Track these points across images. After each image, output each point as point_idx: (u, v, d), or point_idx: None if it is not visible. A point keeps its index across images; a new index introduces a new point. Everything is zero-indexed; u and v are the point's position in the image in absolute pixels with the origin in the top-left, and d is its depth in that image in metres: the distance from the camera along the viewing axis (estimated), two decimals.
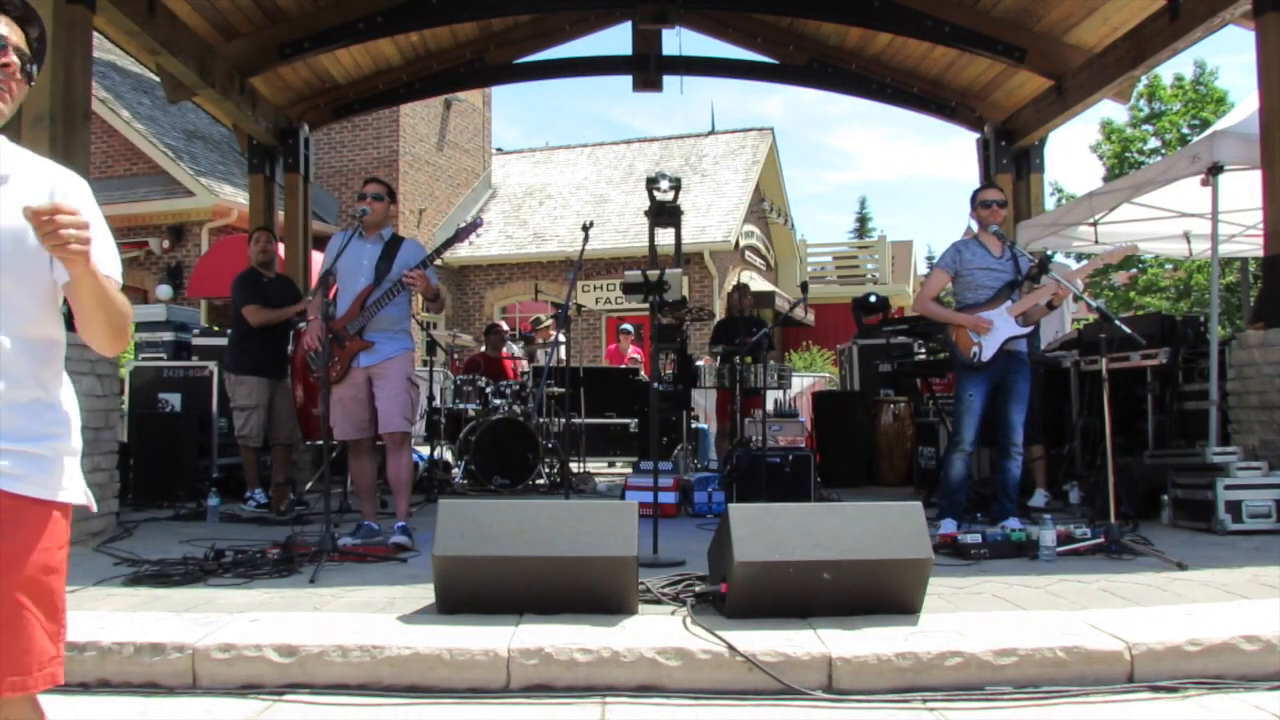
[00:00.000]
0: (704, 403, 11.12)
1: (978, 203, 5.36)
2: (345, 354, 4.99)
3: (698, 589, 3.60)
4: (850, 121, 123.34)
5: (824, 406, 9.28)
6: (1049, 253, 9.17)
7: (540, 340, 10.04)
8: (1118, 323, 5.05)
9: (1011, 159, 8.72)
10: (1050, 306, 5.33)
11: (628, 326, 12.73)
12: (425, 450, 7.84)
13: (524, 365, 10.01)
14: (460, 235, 5.10)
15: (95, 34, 5.92)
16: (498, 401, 8.23)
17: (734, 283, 9.94)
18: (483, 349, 9.63)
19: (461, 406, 8.41)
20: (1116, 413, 5.15)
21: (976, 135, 9.16)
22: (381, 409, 4.99)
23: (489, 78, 10.94)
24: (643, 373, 10.62)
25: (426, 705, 2.85)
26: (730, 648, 2.93)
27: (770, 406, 6.79)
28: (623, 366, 11.33)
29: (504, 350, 9.63)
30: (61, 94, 5.23)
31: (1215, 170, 5.93)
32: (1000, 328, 5.18)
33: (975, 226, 5.44)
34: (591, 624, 3.17)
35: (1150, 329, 6.15)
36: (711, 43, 9.20)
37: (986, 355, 5.19)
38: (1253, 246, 8.37)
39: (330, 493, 4.71)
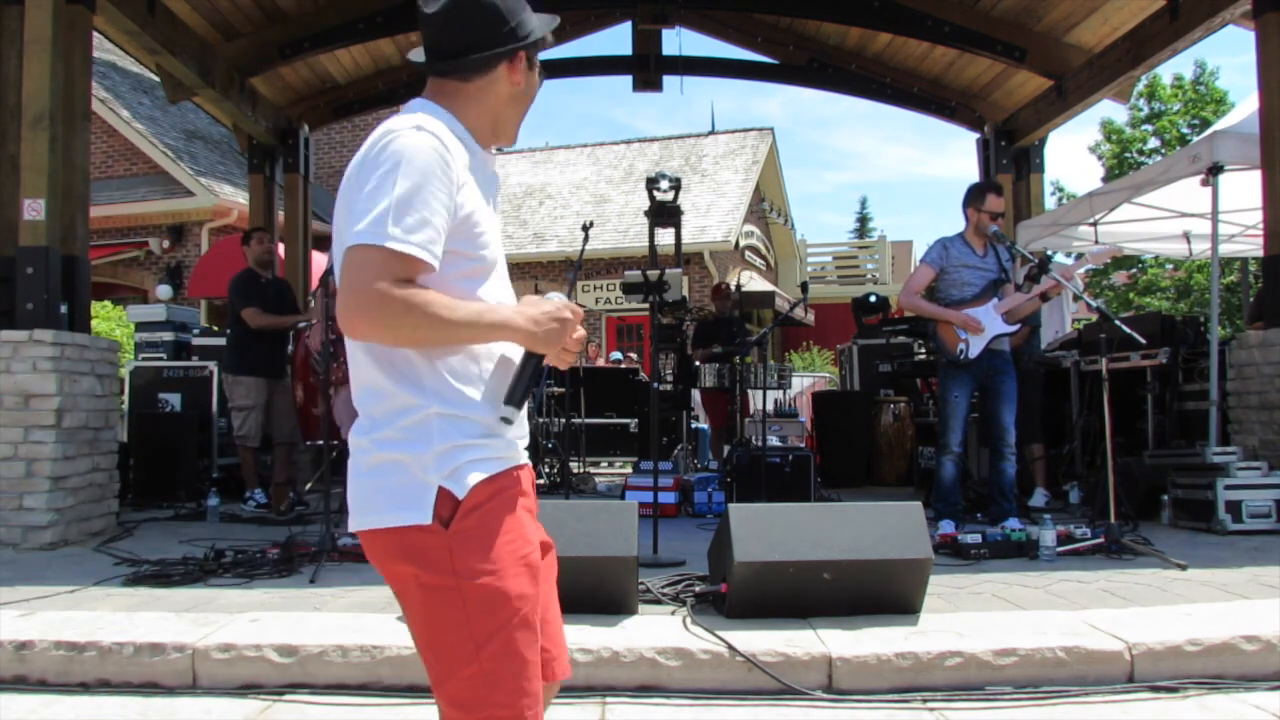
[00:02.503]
0: (702, 404, 11.12)
1: (982, 209, 5.31)
2: None
3: (698, 589, 3.60)
4: (850, 121, 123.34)
5: (824, 406, 9.27)
6: (1049, 253, 9.17)
7: None
8: (1118, 323, 5.05)
9: (1011, 159, 8.72)
10: (1044, 298, 5.33)
11: (616, 355, 12.95)
12: None
13: None
14: None
15: (95, 34, 5.92)
16: None
17: (734, 282, 9.93)
18: None
19: None
20: (1116, 413, 5.15)
21: (976, 135, 9.16)
22: None
23: None
24: (643, 372, 10.62)
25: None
26: (730, 648, 2.93)
27: (770, 406, 6.79)
28: (622, 367, 11.33)
29: None
30: (61, 94, 5.23)
31: (1215, 170, 5.92)
32: (987, 325, 5.20)
33: (967, 223, 5.40)
34: (591, 624, 3.16)
35: (1150, 329, 6.15)
36: (711, 43, 9.21)
37: (973, 352, 5.20)
38: (1253, 246, 8.37)
39: (330, 493, 4.71)
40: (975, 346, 5.21)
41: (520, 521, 1.46)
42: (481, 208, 1.48)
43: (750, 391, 7.25)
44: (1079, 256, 9.95)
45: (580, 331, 1.52)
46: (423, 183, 1.36)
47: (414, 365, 1.42)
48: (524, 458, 1.56)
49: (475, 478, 1.41)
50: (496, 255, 1.54)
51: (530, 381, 1.48)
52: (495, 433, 1.47)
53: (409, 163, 1.36)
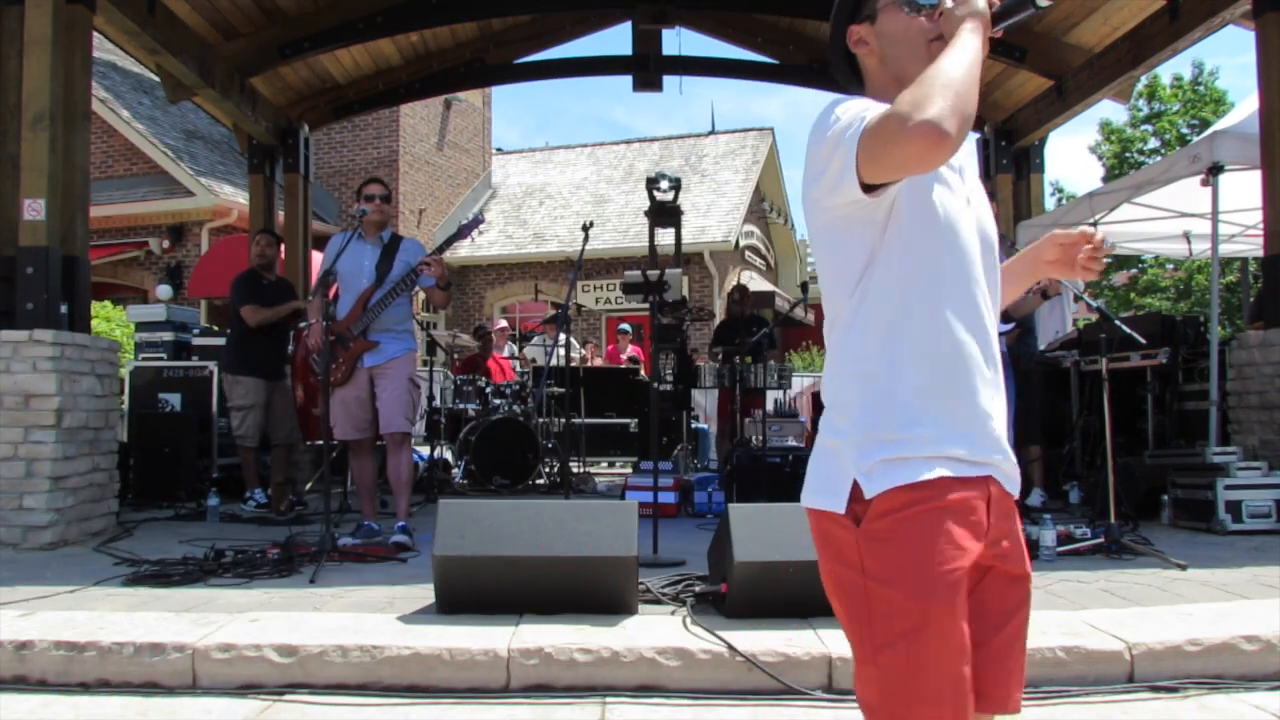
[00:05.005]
0: (704, 403, 11.11)
1: None
2: (350, 355, 4.99)
3: (698, 589, 3.60)
4: None
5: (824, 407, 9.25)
6: None
7: (545, 339, 10.04)
8: (1118, 323, 5.05)
9: (1011, 159, 8.72)
10: (1045, 296, 5.33)
11: (625, 327, 12.74)
12: (425, 450, 7.85)
13: (516, 365, 10.01)
14: (463, 232, 5.09)
15: (95, 34, 5.92)
16: (498, 401, 8.23)
17: (734, 283, 9.94)
18: (477, 349, 9.64)
19: (461, 406, 8.41)
20: (1116, 413, 5.15)
21: (976, 135, 9.16)
22: (382, 409, 4.99)
23: (489, 78, 10.93)
24: (643, 372, 10.61)
25: (426, 705, 2.85)
26: (730, 648, 2.93)
27: (770, 406, 6.79)
28: (622, 366, 11.32)
29: (493, 352, 9.62)
30: (61, 94, 5.23)
31: (1215, 170, 5.93)
32: None
33: None
34: (591, 624, 3.17)
35: (1150, 329, 6.15)
36: (711, 43, 9.20)
37: None
38: (1253, 246, 8.37)
39: (330, 493, 4.71)
40: None
41: (944, 538, 1.29)
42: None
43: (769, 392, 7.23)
44: None
45: None
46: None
47: (855, 350, 1.38)
48: (985, 469, 1.35)
49: (891, 480, 1.31)
50: (949, 221, 1.38)
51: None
52: (929, 431, 1.33)
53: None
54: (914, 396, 1.34)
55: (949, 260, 1.37)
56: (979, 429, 1.36)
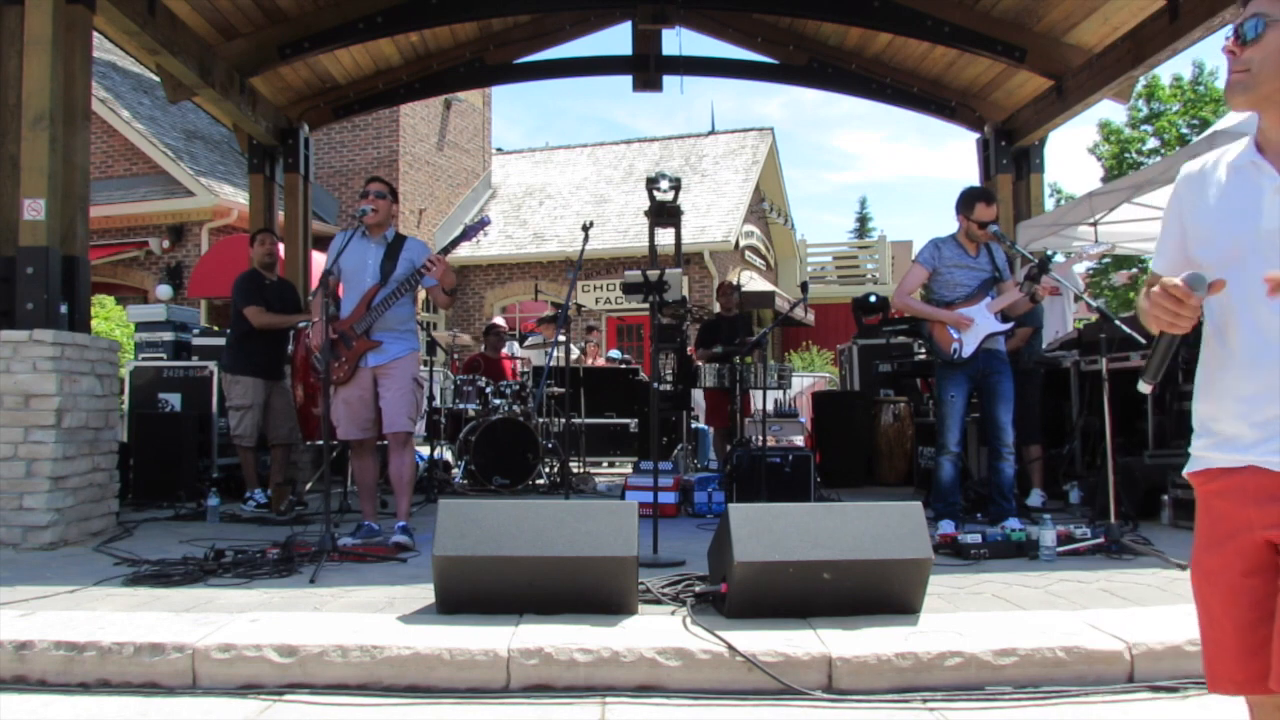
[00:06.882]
0: (704, 403, 11.12)
1: (971, 217, 5.31)
2: (352, 354, 4.99)
3: (698, 589, 3.60)
4: (850, 122, 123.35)
5: (824, 406, 9.28)
6: (1049, 252, 9.17)
7: (543, 339, 10.05)
8: (1118, 323, 5.05)
9: (1011, 159, 8.72)
10: (1033, 299, 5.33)
11: (615, 353, 12.85)
12: (425, 450, 7.84)
13: (522, 365, 10.02)
14: (469, 233, 5.08)
15: (95, 34, 5.92)
16: (498, 401, 8.23)
17: (732, 281, 9.93)
18: (482, 349, 9.63)
19: (461, 406, 8.41)
20: (1116, 413, 5.15)
21: (976, 135, 9.16)
22: (386, 409, 4.99)
23: (489, 78, 10.93)
24: (642, 373, 10.62)
25: (426, 705, 2.85)
26: (730, 648, 2.93)
27: (770, 406, 6.79)
28: (621, 367, 11.33)
29: (503, 351, 9.63)
30: (61, 94, 5.23)
31: None
32: (980, 324, 5.21)
33: (960, 226, 5.41)
34: (591, 624, 3.17)
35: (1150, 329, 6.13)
36: (711, 43, 9.20)
37: (967, 351, 5.21)
38: None
39: (330, 493, 4.71)
40: (969, 345, 5.21)
41: (1208, 520, 1.64)
42: (1201, 212, 1.65)
43: (751, 391, 7.25)
44: (1068, 256, 9.93)
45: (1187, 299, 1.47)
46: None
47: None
48: (1246, 458, 1.55)
49: (1188, 467, 1.69)
50: (1222, 257, 1.57)
51: (1161, 356, 1.56)
52: (1208, 431, 1.64)
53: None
54: (1197, 403, 1.68)
55: (1232, 274, 1.51)
56: (1234, 426, 1.58)
